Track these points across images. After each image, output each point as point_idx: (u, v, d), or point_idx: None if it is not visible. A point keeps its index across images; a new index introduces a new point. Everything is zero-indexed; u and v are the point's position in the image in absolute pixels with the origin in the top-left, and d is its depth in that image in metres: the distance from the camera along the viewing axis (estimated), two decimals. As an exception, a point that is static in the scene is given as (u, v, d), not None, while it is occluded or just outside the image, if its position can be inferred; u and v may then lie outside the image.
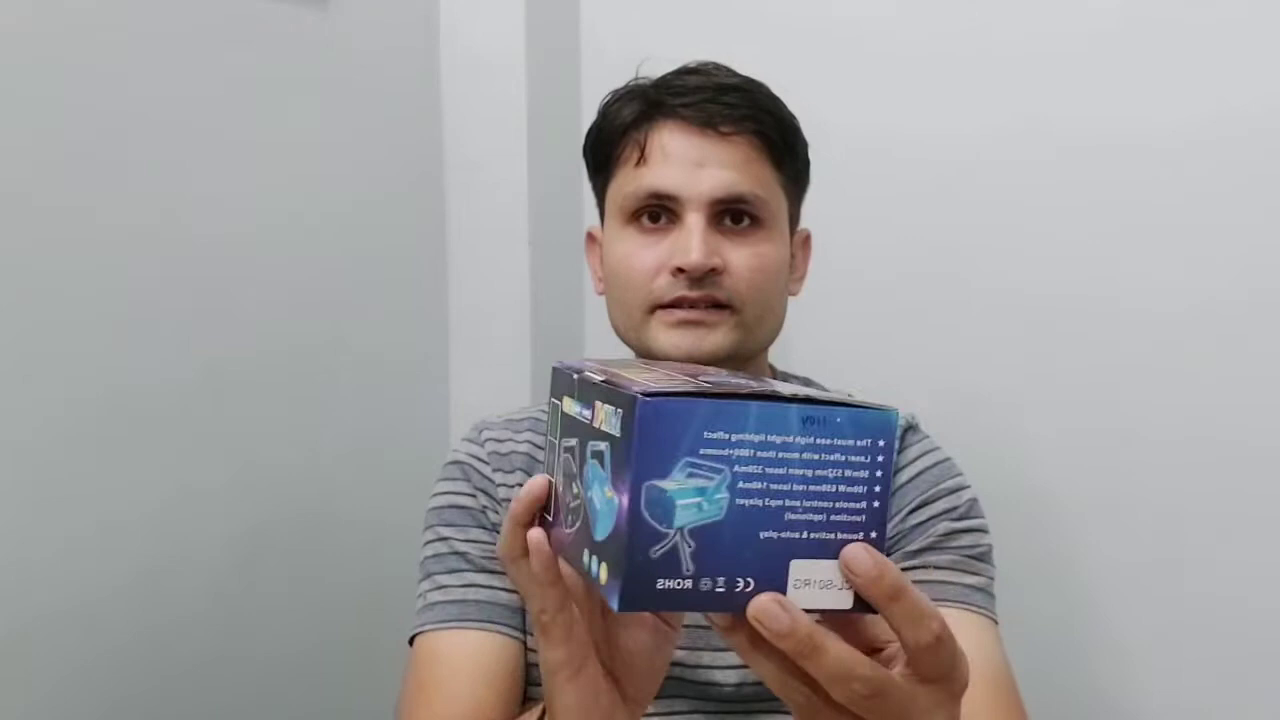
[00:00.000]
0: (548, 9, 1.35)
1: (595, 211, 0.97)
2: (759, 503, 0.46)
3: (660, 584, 0.45)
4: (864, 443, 0.47)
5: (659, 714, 0.85)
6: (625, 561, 0.45)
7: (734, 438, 0.45)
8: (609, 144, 0.90)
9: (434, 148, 1.37)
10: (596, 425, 0.49)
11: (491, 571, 0.88)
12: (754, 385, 0.50)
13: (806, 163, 0.93)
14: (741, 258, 0.85)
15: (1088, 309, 1.15)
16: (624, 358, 0.63)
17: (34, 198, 0.96)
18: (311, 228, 1.21)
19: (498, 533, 0.89)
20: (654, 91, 0.88)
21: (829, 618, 0.48)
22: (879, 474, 0.47)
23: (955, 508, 0.88)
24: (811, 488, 0.46)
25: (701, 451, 0.45)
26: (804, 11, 1.27)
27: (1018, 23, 1.16)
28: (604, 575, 0.47)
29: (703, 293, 0.84)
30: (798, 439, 0.46)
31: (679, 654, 0.82)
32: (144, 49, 1.04)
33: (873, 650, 0.49)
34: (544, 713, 0.60)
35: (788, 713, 0.50)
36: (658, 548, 0.45)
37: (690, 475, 0.45)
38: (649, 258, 0.86)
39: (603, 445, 0.48)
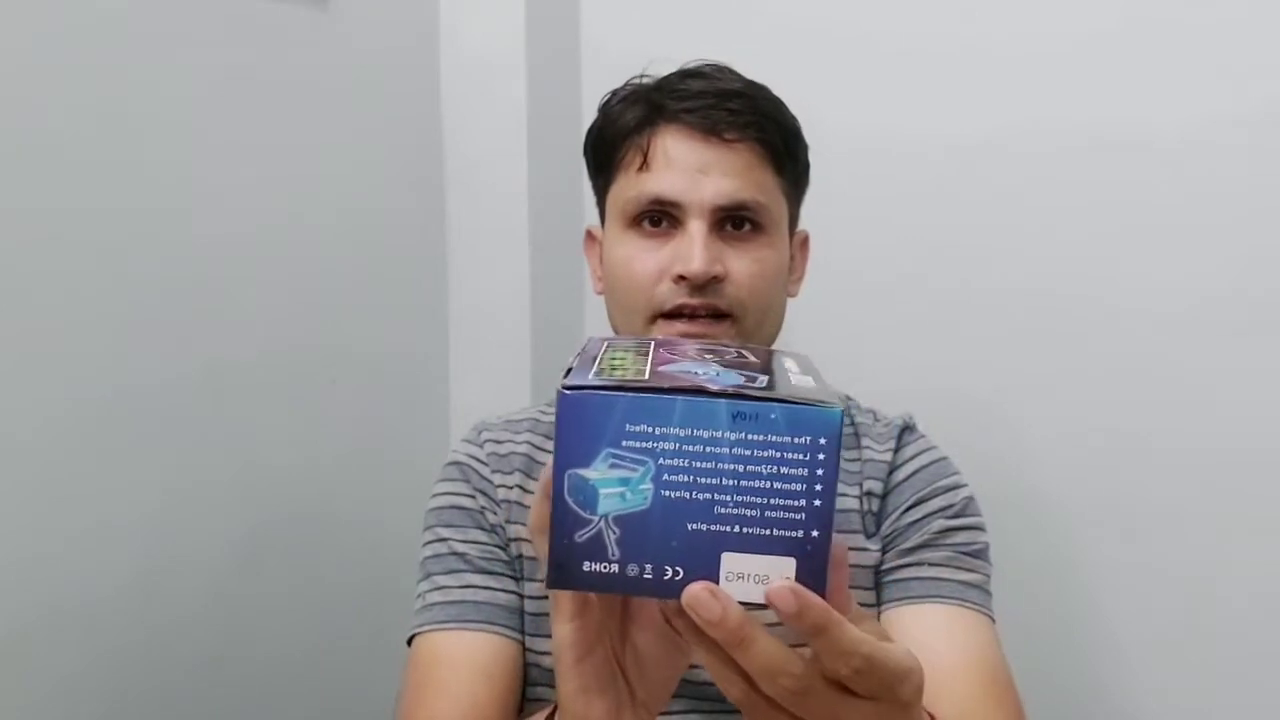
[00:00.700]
0: (548, 9, 1.35)
1: (595, 212, 0.97)
2: (685, 495, 0.47)
3: (587, 566, 0.48)
4: (802, 440, 0.46)
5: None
6: (552, 543, 0.48)
7: (658, 430, 0.46)
8: (611, 147, 0.90)
9: (434, 148, 1.37)
10: None
11: (490, 573, 0.88)
12: (704, 376, 0.48)
13: (806, 165, 0.93)
14: (743, 264, 0.85)
15: (1087, 309, 1.15)
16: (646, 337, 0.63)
17: (34, 198, 0.96)
18: (312, 227, 1.21)
19: (497, 534, 0.89)
20: (656, 95, 0.88)
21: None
22: (820, 472, 0.46)
23: (951, 505, 0.88)
24: (743, 483, 0.47)
25: (624, 443, 0.46)
26: (803, 11, 1.27)
27: (1017, 23, 1.17)
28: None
29: (704, 300, 0.84)
30: (727, 434, 0.46)
31: None
32: (144, 49, 1.04)
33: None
34: (554, 711, 0.60)
35: None
36: (582, 532, 0.47)
37: (613, 466, 0.47)
38: (650, 263, 0.86)
39: None
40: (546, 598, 0.57)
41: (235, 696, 1.14)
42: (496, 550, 0.89)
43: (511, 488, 0.90)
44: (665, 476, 0.47)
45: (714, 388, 0.47)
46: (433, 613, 0.87)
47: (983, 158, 1.18)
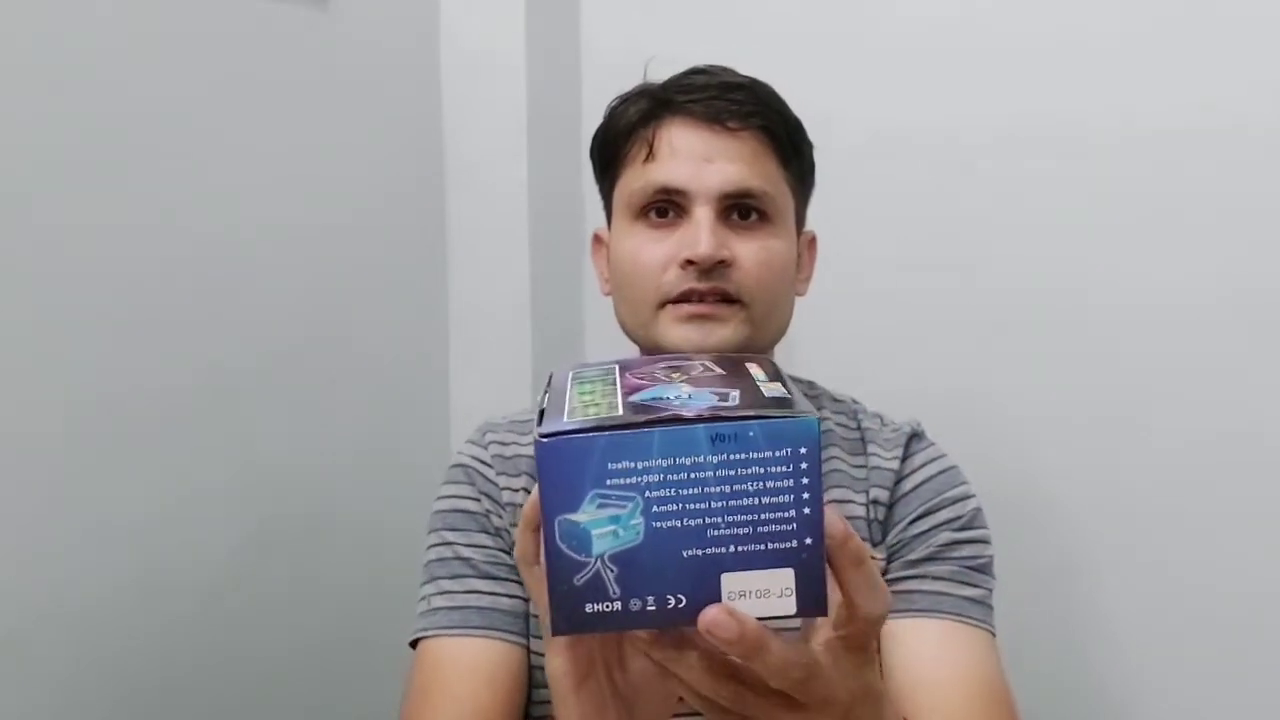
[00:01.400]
0: (548, 9, 1.35)
1: (595, 211, 0.97)
2: (677, 523, 0.47)
3: (589, 608, 0.48)
4: (783, 452, 0.47)
5: None
6: (551, 590, 0.48)
7: (640, 465, 0.47)
8: (616, 143, 0.90)
9: (434, 148, 1.37)
10: None
11: (494, 578, 0.88)
12: (677, 401, 0.49)
13: (812, 165, 0.93)
14: (749, 251, 0.85)
15: (1095, 309, 1.15)
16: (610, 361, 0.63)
17: (34, 198, 0.96)
18: (312, 228, 1.21)
19: (501, 537, 0.89)
20: (661, 90, 0.89)
21: None
22: (805, 480, 0.47)
23: (959, 517, 0.88)
24: (731, 502, 0.47)
25: (609, 482, 0.47)
26: (804, 11, 1.27)
27: (1019, 21, 1.17)
28: None
29: (711, 285, 0.84)
30: (709, 457, 0.47)
31: None
32: (144, 49, 1.04)
33: None
34: None
35: None
36: (580, 575, 0.48)
37: (601, 506, 0.47)
38: (658, 252, 0.86)
39: None
40: None
41: (236, 697, 1.14)
42: (500, 554, 0.89)
43: (517, 490, 0.90)
44: (654, 509, 0.47)
45: (690, 414, 0.47)
46: (436, 617, 0.87)
47: (988, 157, 1.19)
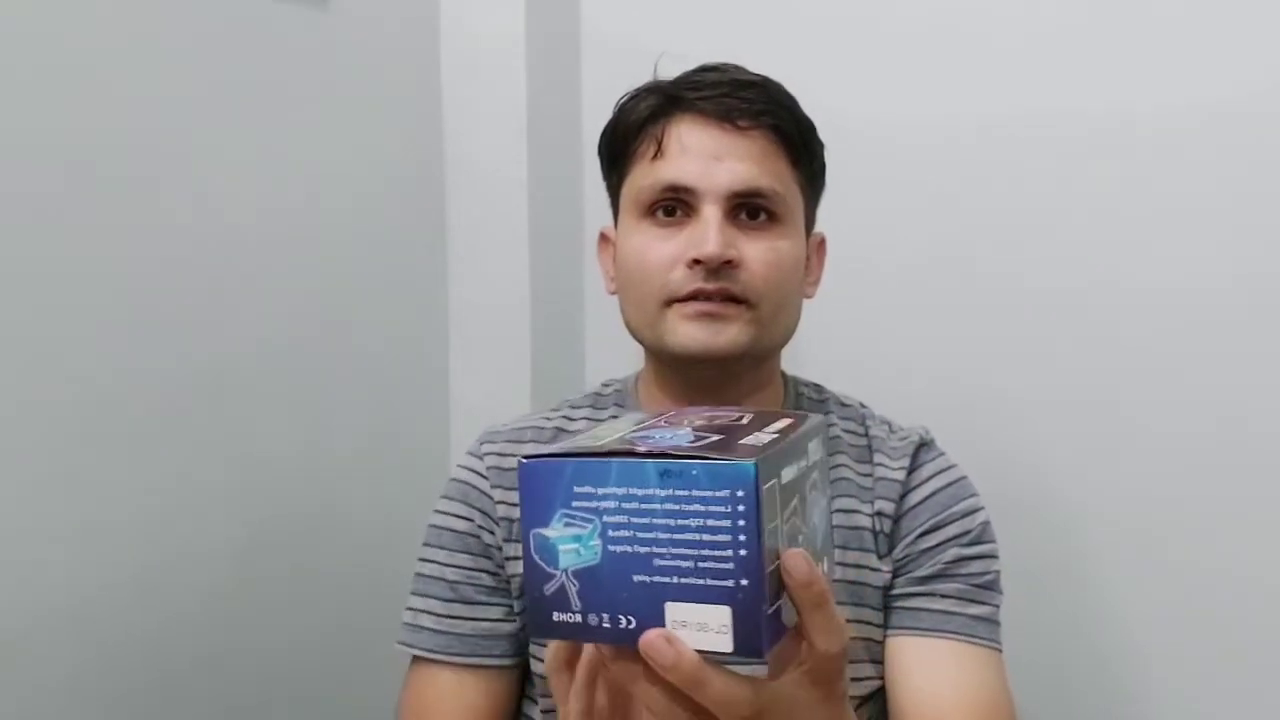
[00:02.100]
0: (549, 8, 1.35)
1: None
2: (629, 549, 0.51)
3: (555, 616, 0.52)
4: (722, 493, 0.49)
5: None
6: (526, 595, 0.53)
7: (600, 491, 0.51)
8: (625, 139, 0.89)
9: (434, 147, 1.37)
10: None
11: (475, 602, 0.90)
12: (653, 439, 0.52)
13: (823, 165, 0.92)
14: (757, 252, 0.84)
15: (1103, 307, 1.15)
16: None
17: (34, 198, 0.95)
18: (312, 227, 1.21)
19: (489, 557, 0.90)
20: (671, 87, 0.88)
21: None
22: (742, 523, 0.48)
23: (967, 532, 0.87)
24: (676, 536, 0.50)
25: (573, 503, 0.51)
26: (807, 9, 1.26)
27: (1025, 16, 1.17)
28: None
29: (719, 285, 0.83)
30: (657, 491, 0.50)
31: None
32: (144, 49, 1.03)
33: None
34: None
35: None
36: (549, 585, 0.52)
37: (567, 524, 0.52)
38: (665, 250, 0.85)
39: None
40: None
41: (235, 695, 1.14)
42: (480, 575, 0.90)
43: (513, 505, 0.90)
44: (610, 533, 0.51)
45: (643, 449, 0.50)
46: (421, 636, 0.90)
47: (992, 156, 1.19)
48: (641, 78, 0.91)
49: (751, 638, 0.49)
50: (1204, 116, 1.09)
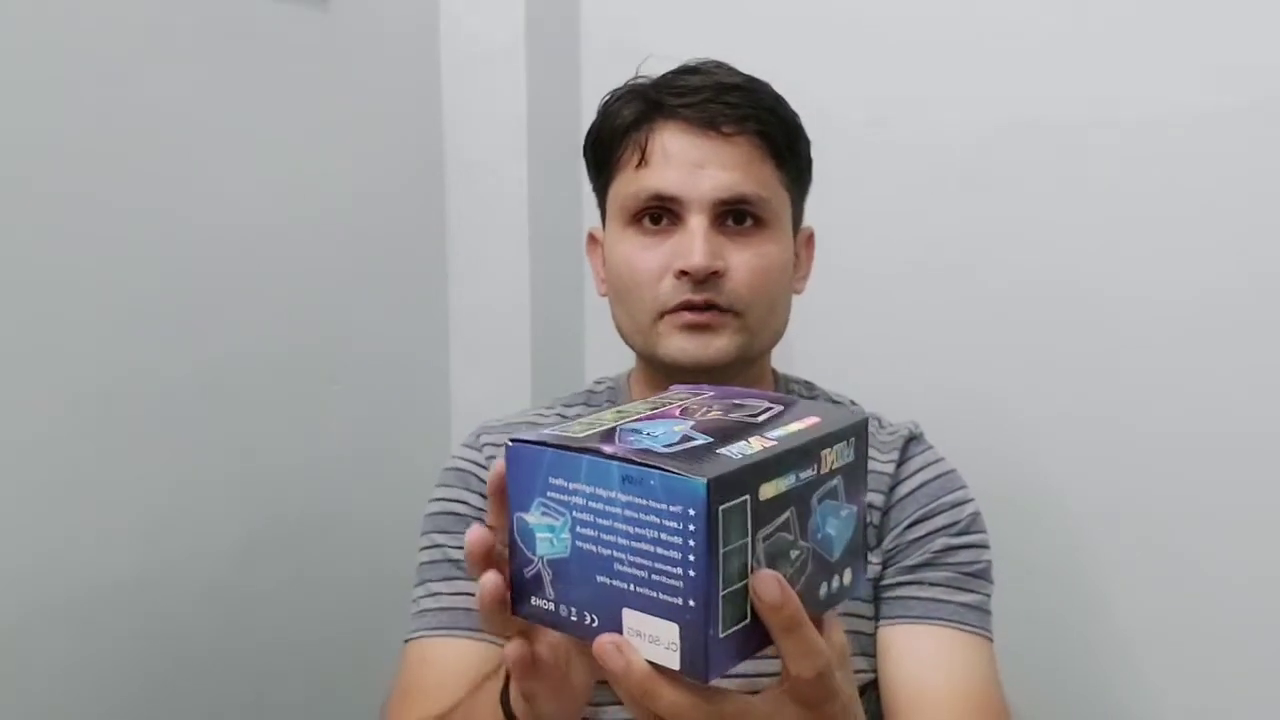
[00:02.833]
0: (548, 8, 1.35)
1: (595, 211, 0.96)
2: (593, 549, 0.49)
3: (534, 600, 0.52)
4: (676, 508, 0.46)
5: None
6: (511, 575, 0.53)
7: (571, 485, 0.49)
8: (609, 145, 0.89)
9: (434, 147, 1.37)
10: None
11: None
12: (635, 439, 0.50)
13: (809, 161, 0.92)
14: (744, 259, 0.84)
15: (1094, 307, 1.15)
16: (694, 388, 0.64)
17: (34, 197, 0.96)
18: (312, 227, 1.21)
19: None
20: (654, 91, 0.87)
21: None
22: (692, 543, 0.46)
23: (956, 522, 0.87)
24: (634, 544, 0.48)
25: (549, 494, 0.50)
26: (804, 6, 1.26)
27: (1020, 17, 1.16)
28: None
29: (705, 296, 0.83)
30: (618, 494, 0.48)
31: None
32: (144, 48, 1.04)
33: None
34: (508, 681, 0.62)
35: None
36: (529, 569, 0.52)
37: (544, 513, 0.51)
38: (652, 261, 0.85)
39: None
40: None
41: (234, 696, 1.14)
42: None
43: None
44: (578, 528, 0.50)
45: (609, 450, 0.48)
46: (425, 619, 0.88)
47: (987, 154, 1.18)
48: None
49: (696, 661, 0.47)
50: (1201, 120, 1.09)
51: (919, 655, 0.83)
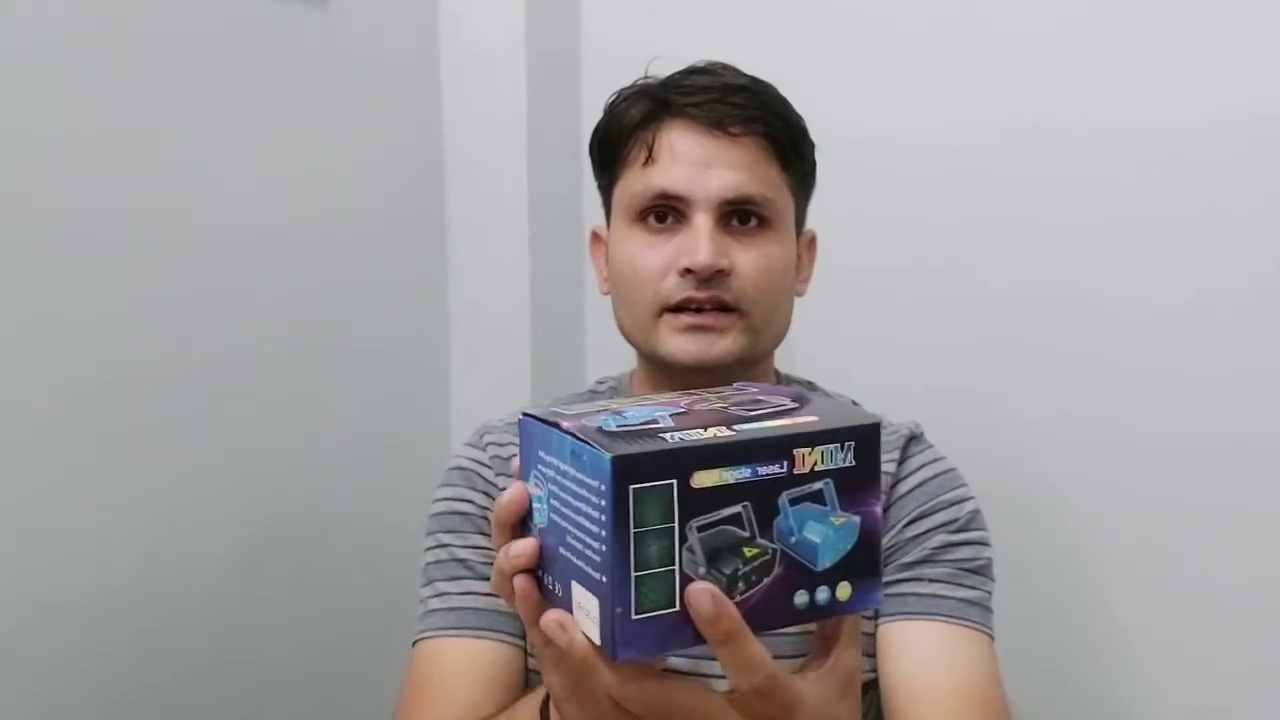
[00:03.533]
0: (548, 9, 1.35)
1: (595, 211, 0.96)
2: (560, 520, 0.50)
3: (540, 571, 0.53)
4: (594, 483, 0.46)
5: None
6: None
7: (549, 459, 0.51)
8: (616, 143, 0.89)
9: (434, 147, 1.37)
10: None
11: (489, 578, 0.88)
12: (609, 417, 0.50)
13: (813, 164, 0.92)
14: (749, 259, 0.85)
15: (1094, 308, 1.15)
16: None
17: (35, 197, 0.96)
18: (312, 227, 1.21)
19: None
20: (661, 91, 0.87)
21: None
22: (602, 517, 0.46)
23: (955, 520, 0.87)
24: (578, 517, 0.48)
25: (539, 466, 0.52)
26: (805, 9, 1.26)
27: (1019, 19, 1.16)
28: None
29: (710, 294, 0.83)
30: (570, 468, 0.49)
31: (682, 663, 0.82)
32: (144, 49, 1.04)
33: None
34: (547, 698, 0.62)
35: None
36: (534, 538, 0.53)
37: (537, 484, 0.52)
38: (656, 258, 0.85)
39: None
40: None
41: (234, 698, 1.14)
42: (494, 554, 0.88)
43: None
44: (551, 500, 0.51)
45: (566, 425, 0.49)
46: (434, 619, 0.87)
47: (988, 156, 1.18)
48: (642, 76, 0.91)
49: (606, 639, 0.47)
50: (1202, 122, 1.09)
51: (917, 651, 0.82)
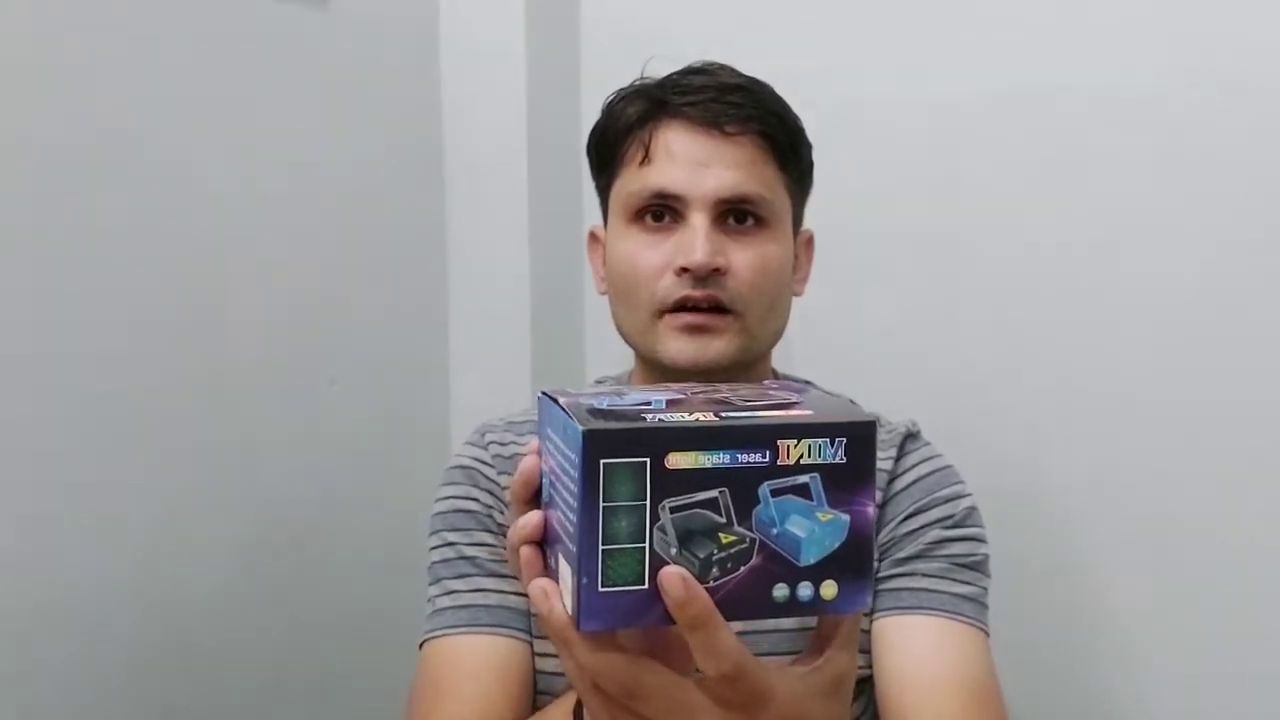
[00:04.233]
0: (548, 8, 1.35)
1: (595, 211, 0.96)
2: (554, 494, 0.51)
3: (544, 545, 0.53)
4: (573, 455, 0.47)
5: None
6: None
7: (551, 434, 0.52)
8: (613, 143, 0.89)
9: (434, 147, 1.37)
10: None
11: (500, 575, 0.88)
12: (633, 402, 0.51)
13: (810, 164, 0.92)
14: (745, 258, 0.85)
15: (1094, 309, 1.15)
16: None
17: (34, 198, 0.96)
18: (311, 227, 1.21)
19: (503, 534, 0.89)
20: (658, 90, 0.88)
21: None
22: (575, 489, 0.47)
23: (950, 516, 0.87)
24: (564, 492, 0.49)
25: (547, 442, 0.53)
26: (803, 8, 1.26)
27: (1022, 13, 1.16)
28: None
29: (706, 293, 0.83)
30: (561, 443, 0.49)
31: None
32: (145, 49, 1.04)
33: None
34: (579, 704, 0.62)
35: None
36: (538, 513, 0.54)
37: (547, 455, 0.53)
38: (654, 257, 0.85)
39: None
40: None
41: (235, 697, 1.14)
42: (504, 552, 0.88)
43: None
44: (549, 475, 0.52)
45: (563, 400, 0.50)
46: (444, 617, 0.87)
47: (987, 158, 1.18)
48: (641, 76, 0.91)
49: (574, 608, 0.48)
50: (1202, 126, 1.08)
51: (910, 645, 0.83)
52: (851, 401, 0.96)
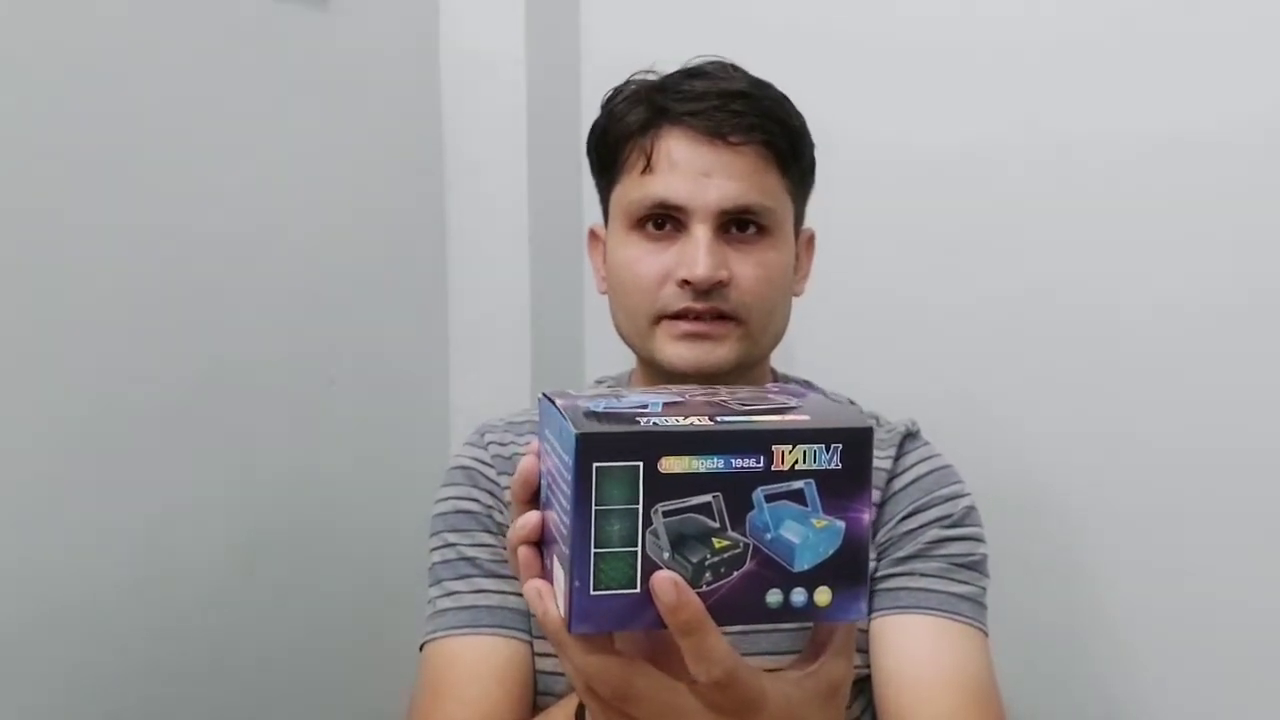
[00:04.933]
0: (548, 10, 1.35)
1: (595, 211, 0.96)
2: (551, 496, 0.51)
3: (543, 546, 0.53)
4: (566, 458, 0.47)
5: None
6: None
7: (549, 436, 0.52)
8: (614, 148, 0.89)
9: (434, 148, 1.37)
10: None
11: (500, 576, 0.88)
12: (629, 404, 0.51)
13: (812, 163, 0.91)
14: (748, 268, 0.84)
15: (1093, 311, 1.15)
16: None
17: (34, 199, 0.95)
18: (311, 228, 1.21)
19: (504, 535, 0.89)
20: (660, 96, 0.86)
21: None
22: (570, 491, 0.46)
23: (949, 515, 0.87)
24: (559, 495, 0.49)
25: (545, 443, 0.53)
26: (804, 13, 1.26)
27: (1019, 25, 1.16)
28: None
29: (709, 304, 0.83)
30: (558, 445, 0.49)
31: None
32: (144, 49, 1.04)
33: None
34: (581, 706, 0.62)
35: None
36: (536, 514, 0.54)
37: (544, 460, 0.53)
38: (655, 266, 0.85)
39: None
40: None
41: (235, 699, 1.14)
42: (504, 552, 0.88)
43: None
44: (547, 476, 0.52)
45: (560, 402, 0.50)
46: (445, 618, 0.87)
47: (986, 159, 1.19)
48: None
49: (567, 610, 0.48)
50: (1202, 128, 1.09)
51: (908, 645, 0.83)
52: (852, 403, 0.96)
